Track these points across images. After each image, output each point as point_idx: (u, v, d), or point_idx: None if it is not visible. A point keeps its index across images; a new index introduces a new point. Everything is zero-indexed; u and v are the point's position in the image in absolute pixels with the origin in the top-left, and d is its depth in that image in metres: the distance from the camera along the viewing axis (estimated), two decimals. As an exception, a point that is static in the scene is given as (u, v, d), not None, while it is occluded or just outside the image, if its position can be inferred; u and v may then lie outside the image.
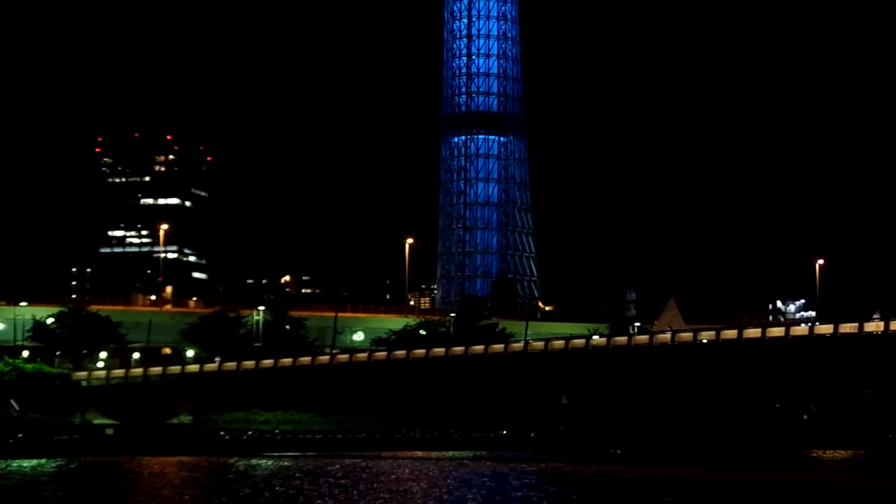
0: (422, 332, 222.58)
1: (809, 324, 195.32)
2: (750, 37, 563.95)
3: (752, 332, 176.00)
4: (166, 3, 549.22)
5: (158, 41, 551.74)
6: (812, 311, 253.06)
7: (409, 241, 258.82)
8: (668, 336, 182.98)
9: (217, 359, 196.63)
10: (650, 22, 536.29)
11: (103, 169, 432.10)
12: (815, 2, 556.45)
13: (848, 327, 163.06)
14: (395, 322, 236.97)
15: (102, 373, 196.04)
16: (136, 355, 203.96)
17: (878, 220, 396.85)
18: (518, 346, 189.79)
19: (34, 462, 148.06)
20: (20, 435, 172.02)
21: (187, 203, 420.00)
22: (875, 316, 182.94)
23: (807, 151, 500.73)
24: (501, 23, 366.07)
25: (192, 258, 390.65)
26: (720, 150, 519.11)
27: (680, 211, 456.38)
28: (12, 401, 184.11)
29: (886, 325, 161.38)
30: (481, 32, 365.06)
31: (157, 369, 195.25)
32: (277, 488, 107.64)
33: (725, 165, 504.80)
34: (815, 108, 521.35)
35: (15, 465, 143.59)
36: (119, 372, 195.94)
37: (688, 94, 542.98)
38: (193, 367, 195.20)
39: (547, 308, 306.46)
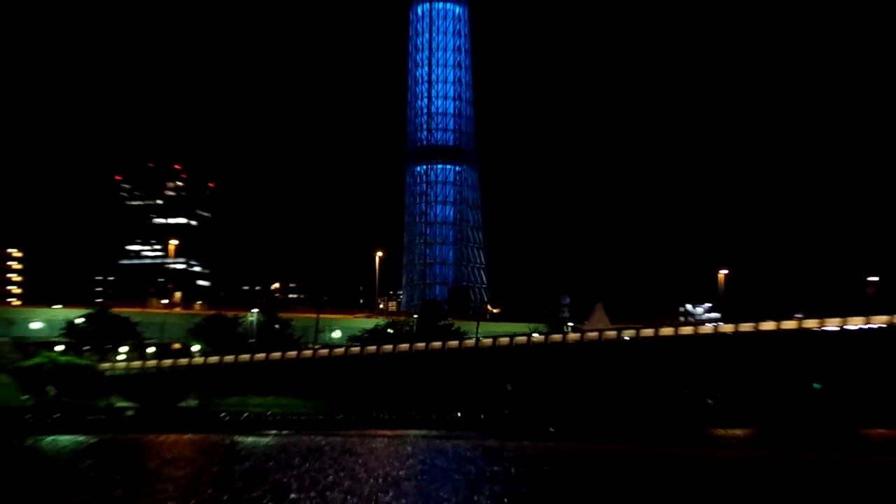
0: (390, 330, 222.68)
1: (714, 324, 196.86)
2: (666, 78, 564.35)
3: (667, 331, 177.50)
4: (168, 60, 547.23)
5: (167, 86, 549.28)
6: (716, 313, 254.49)
7: (379, 254, 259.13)
8: (596, 334, 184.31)
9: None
10: (578, 68, 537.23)
11: (122, 194, 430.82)
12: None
13: (746, 327, 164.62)
14: (368, 322, 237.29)
15: (123, 364, 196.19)
16: (150, 350, 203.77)
17: (772, 236, 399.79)
18: (470, 342, 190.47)
19: (69, 437, 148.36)
20: (57, 415, 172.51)
21: (193, 222, 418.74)
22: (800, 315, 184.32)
23: (716, 177, 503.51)
24: (456, 70, 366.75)
25: (197, 268, 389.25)
26: (637, 177, 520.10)
27: (607, 227, 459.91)
28: (50, 387, 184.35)
29: (778, 324, 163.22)
30: (440, 78, 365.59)
31: (168, 361, 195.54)
32: (271, 462, 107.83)
33: (642, 190, 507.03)
34: (720, 136, 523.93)
35: (52, 439, 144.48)
36: (137, 363, 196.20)
37: (604, 130, 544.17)
38: (199, 360, 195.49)
39: (495, 310, 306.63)
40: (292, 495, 77.34)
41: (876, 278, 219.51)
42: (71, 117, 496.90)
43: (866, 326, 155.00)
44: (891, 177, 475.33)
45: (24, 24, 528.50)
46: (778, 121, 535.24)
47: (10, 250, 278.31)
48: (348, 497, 76.97)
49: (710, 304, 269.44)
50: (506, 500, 75.58)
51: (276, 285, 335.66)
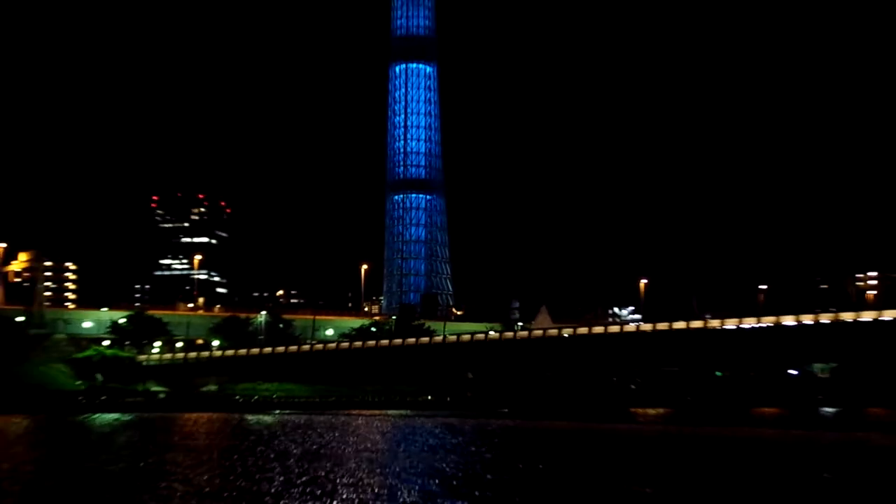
0: (373, 329, 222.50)
1: (636, 323, 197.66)
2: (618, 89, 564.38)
3: (598, 329, 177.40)
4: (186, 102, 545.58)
5: (192, 127, 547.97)
6: (638, 314, 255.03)
7: (364, 266, 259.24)
8: (540, 332, 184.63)
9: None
10: (525, 116, 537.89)
11: (156, 218, 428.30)
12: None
13: (662, 325, 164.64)
14: (355, 322, 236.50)
15: (156, 356, 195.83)
16: (178, 344, 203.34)
17: (683, 249, 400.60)
18: (439, 338, 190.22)
19: (114, 415, 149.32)
20: (103, 397, 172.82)
21: (213, 241, 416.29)
22: (708, 316, 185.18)
23: (636, 202, 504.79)
24: (427, 117, 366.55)
25: (216, 278, 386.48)
26: (571, 205, 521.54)
27: (550, 244, 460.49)
28: (98, 374, 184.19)
29: (687, 324, 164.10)
30: (413, 124, 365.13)
31: (193, 354, 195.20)
32: (279, 435, 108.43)
33: (576, 216, 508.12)
34: (645, 154, 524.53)
35: (99, 416, 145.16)
36: (168, 356, 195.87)
37: (543, 170, 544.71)
38: (217, 353, 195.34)
39: (459, 312, 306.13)
40: (291, 460, 78.03)
41: (765, 286, 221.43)
42: (116, 154, 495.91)
43: (757, 325, 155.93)
44: (776, 199, 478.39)
45: (73, 65, 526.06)
46: (692, 147, 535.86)
47: (66, 263, 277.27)
48: (334, 457, 77.84)
49: (633, 308, 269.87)
50: (461, 461, 76.25)
51: (281, 292, 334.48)
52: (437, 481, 63.54)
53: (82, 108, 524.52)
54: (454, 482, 62.82)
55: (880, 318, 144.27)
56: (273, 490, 58.27)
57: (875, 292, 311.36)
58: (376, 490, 58.90)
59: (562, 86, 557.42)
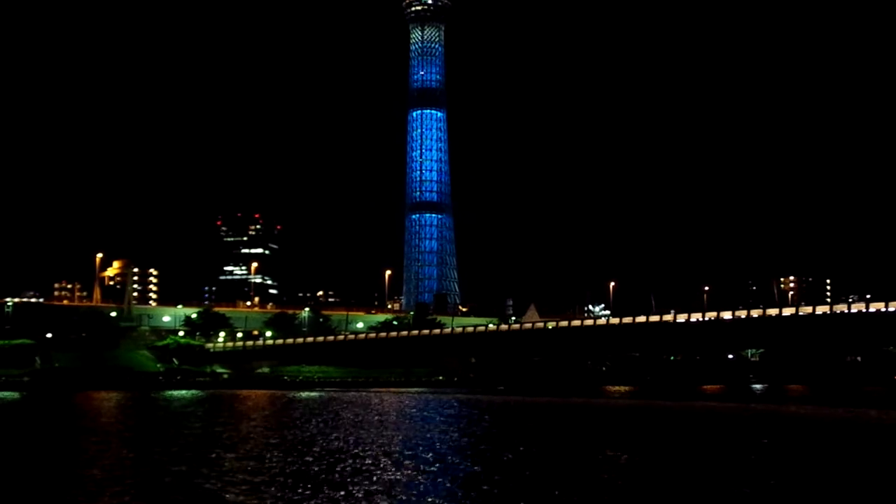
0: (395, 322, 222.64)
1: (607, 318, 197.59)
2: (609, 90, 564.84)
3: (576, 322, 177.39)
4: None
5: (251, 161, 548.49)
6: (608, 310, 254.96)
7: (388, 271, 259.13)
8: (530, 325, 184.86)
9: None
10: (522, 143, 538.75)
11: (221, 234, 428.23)
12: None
13: (627, 319, 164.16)
14: (381, 317, 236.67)
15: (221, 344, 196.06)
16: (238, 335, 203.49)
17: (643, 255, 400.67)
18: (448, 330, 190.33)
19: (187, 392, 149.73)
20: (178, 377, 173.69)
21: (266, 252, 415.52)
22: (659, 311, 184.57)
23: (608, 214, 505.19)
24: (437, 153, 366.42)
25: (269, 282, 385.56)
26: (554, 220, 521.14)
27: (536, 255, 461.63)
28: (174, 359, 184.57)
29: (647, 318, 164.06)
30: (427, 157, 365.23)
31: (250, 342, 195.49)
32: (318, 411, 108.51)
33: (558, 230, 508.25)
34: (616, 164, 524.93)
35: (177, 393, 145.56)
36: (230, 344, 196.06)
37: (532, 192, 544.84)
38: (269, 342, 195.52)
39: (464, 309, 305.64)
40: (321, 424, 78.21)
41: (707, 287, 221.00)
42: (191, 182, 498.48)
43: (702, 319, 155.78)
44: (716, 215, 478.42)
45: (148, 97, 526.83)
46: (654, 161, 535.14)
47: (150, 269, 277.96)
48: (365, 424, 78.10)
49: (604, 305, 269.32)
50: (465, 427, 76.54)
51: (321, 292, 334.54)
52: (445, 437, 64.21)
53: (165, 145, 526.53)
54: (459, 435, 63.41)
55: (798, 314, 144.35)
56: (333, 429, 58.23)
57: (793, 292, 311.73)
58: (408, 433, 59.40)
59: (548, 121, 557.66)
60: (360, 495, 39.11)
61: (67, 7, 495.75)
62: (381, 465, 49.54)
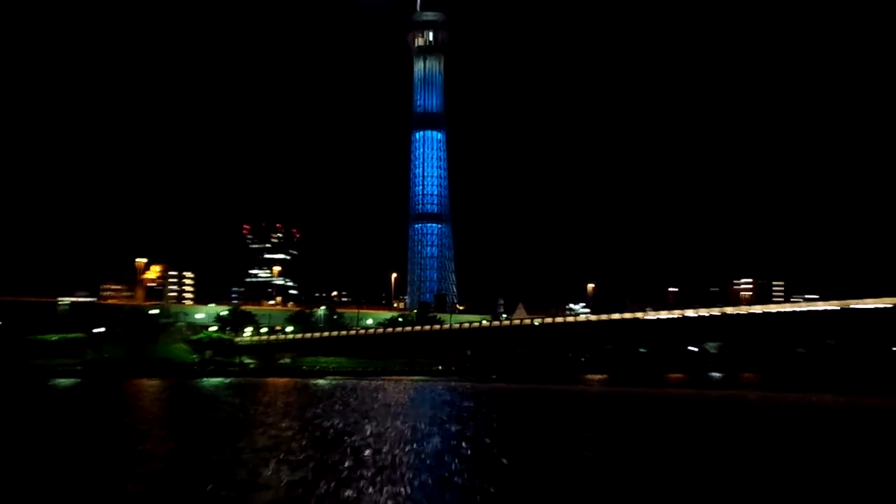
0: (400, 319, 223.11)
1: (586, 315, 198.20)
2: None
3: (559, 319, 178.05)
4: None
5: (273, 176, 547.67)
6: (587, 308, 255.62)
7: (394, 274, 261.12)
8: (518, 321, 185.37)
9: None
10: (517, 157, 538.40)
11: (247, 241, 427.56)
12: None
13: (604, 317, 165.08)
14: (388, 314, 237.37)
15: (248, 338, 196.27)
16: (263, 330, 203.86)
17: (619, 262, 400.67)
18: (447, 326, 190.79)
19: (218, 379, 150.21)
20: (211, 367, 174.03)
21: (287, 257, 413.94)
22: (632, 310, 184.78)
23: (587, 221, 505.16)
24: (438, 169, 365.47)
25: (289, 283, 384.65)
26: (538, 227, 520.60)
27: (523, 260, 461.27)
28: (207, 351, 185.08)
29: (622, 315, 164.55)
30: (427, 174, 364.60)
31: (273, 336, 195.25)
32: (332, 397, 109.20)
33: (543, 236, 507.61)
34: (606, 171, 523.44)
35: (210, 380, 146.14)
36: (255, 338, 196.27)
37: (524, 200, 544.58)
38: (290, 336, 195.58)
39: (461, 307, 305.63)
40: (338, 406, 79.07)
41: (674, 289, 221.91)
42: (222, 195, 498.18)
43: (669, 316, 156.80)
44: (682, 222, 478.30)
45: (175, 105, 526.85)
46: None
47: (186, 272, 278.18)
48: (372, 404, 78.95)
49: (584, 303, 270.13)
50: (459, 411, 77.26)
51: (335, 293, 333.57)
52: (443, 414, 64.97)
53: (202, 163, 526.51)
54: (454, 413, 64.17)
55: (751, 312, 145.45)
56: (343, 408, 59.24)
57: (749, 293, 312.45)
58: (411, 412, 60.49)
59: (533, 143, 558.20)
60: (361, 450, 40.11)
61: (123, 16, 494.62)
62: (388, 426, 50.54)
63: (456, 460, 42.89)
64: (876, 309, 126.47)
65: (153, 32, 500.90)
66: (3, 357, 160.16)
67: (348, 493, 33.54)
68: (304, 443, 46.12)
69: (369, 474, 37.78)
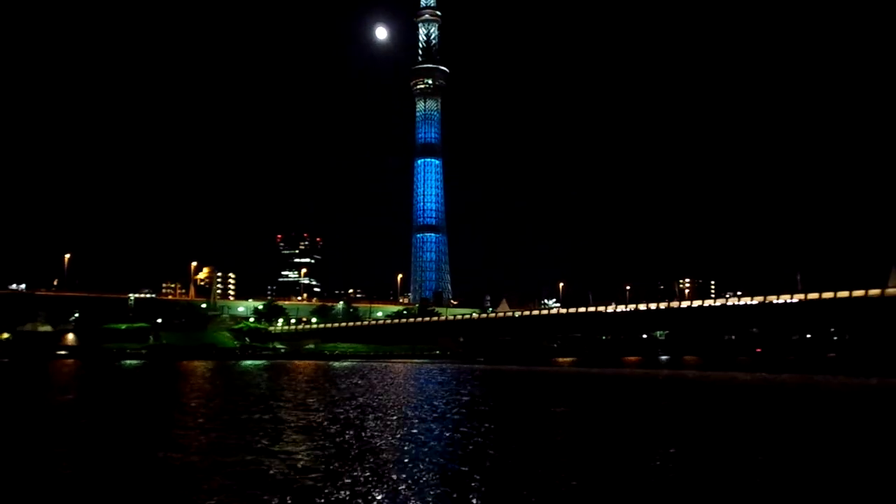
0: (404, 311, 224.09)
1: (558, 309, 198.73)
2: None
3: (536, 312, 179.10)
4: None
5: (302, 194, 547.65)
6: (559, 303, 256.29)
7: (400, 275, 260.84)
8: (503, 314, 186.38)
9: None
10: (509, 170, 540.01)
11: (280, 247, 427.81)
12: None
13: (572, 310, 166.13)
14: (395, 308, 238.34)
15: (279, 327, 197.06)
16: (292, 321, 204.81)
17: (583, 264, 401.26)
18: (443, 318, 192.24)
19: (254, 362, 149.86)
20: (249, 351, 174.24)
21: (312, 261, 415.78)
22: (596, 304, 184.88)
23: (556, 234, 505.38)
24: (436, 189, 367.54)
25: (314, 282, 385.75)
26: (518, 237, 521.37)
27: (504, 263, 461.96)
28: (246, 338, 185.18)
29: (587, 309, 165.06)
30: (427, 193, 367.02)
31: (300, 326, 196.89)
32: (351, 375, 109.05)
33: (522, 242, 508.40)
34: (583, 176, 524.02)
35: (248, 362, 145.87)
36: (286, 327, 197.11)
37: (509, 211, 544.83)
38: (314, 326, 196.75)
39: (455, 303, 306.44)
40: (357, 379, 79.05)
41: (629, 287, 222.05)
42: (262, 209, 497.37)
43: (625, 309, 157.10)
44: (635, 227, 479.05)
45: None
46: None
47: (230, 273, 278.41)
48: (382, 382, 78.97)
49: (556, 299, 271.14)
50: (454, 382, 77.38)
51: (351, 290, 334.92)
52: (437, 389, 64.91)
53: (243, 183, 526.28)
54: (446, 387, 64.16)
55: (691, 306, 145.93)
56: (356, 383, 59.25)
57: (689, 289, 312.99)
58: (412, 388, 60.38)
59: (512, 168, 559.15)
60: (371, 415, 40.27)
61: (178, 26, 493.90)
62: (392, 396, 50.58)
63: (443, 403, 43.13)
64: (787, 303, 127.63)
65: (211, 65, 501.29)
66: (83, 342, 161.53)
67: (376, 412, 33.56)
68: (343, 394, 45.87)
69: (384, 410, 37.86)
